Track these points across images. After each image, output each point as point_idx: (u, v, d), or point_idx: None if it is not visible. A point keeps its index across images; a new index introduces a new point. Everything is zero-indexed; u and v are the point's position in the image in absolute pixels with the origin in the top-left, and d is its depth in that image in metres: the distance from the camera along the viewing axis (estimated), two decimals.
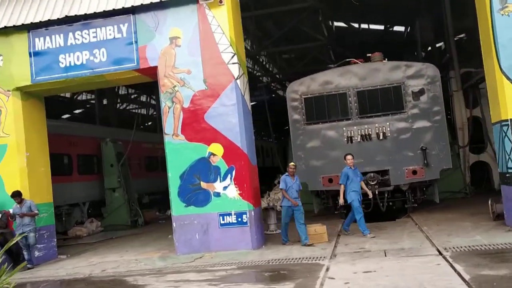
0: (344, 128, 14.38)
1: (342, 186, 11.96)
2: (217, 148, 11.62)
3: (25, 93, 12.85)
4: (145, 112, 45.13)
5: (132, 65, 12.09)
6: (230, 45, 11.63)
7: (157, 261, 11.35)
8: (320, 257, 9.78)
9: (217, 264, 10.15)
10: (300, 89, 14.77)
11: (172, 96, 11.90)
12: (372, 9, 23.05)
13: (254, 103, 23.21)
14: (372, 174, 13.81)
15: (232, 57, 11.63)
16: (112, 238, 16.93)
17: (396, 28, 28.11)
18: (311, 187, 14.64)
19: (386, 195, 14.12)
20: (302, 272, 8.63)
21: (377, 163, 14.02)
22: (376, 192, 13.73)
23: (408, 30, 27.23)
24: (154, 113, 43.50)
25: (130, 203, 20.87)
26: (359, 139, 14.24)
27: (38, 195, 12.79)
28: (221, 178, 11.59)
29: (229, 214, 11.50)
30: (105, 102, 34.96)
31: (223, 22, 11.67)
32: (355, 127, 14.30)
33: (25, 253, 12.10)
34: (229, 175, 11.56)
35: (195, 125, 11.73)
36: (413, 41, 25.24)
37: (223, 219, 11.53)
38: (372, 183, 13.69)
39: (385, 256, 9.26)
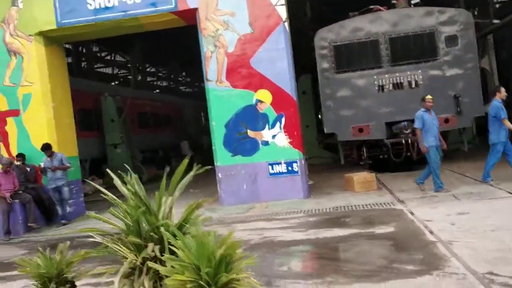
0: (375, 77, 13.97)
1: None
2: (265, 95, 11.11)
3: (48, 38, 11.88)
4: (111, 71, 43.70)
5: (169, 7, 11.29)
6: None
7: (206, 213, 10.86)
8: (387, 203, 9.54)
9: (280, 213, 9.77)
10: (329, 36, 14.17)
11: (214, 40, 11.22)
12: None
13: None
14: (405, 123, 13.57)
15: None
16: None
17: None
18: (340, 137, 14.30)
19: (416, 144, 13.94)
20: (387, 216, 8.34)
21: (409, 112, 13.60)
22: (409, 141, 13.57)
23: None
24: (119, 72, 41.99)
25: (133, 159, 20.15)
26: (390, 88, 13.91)
27: (65, 148, 12.06)
28: (270, 126, 11.14)
29: (279, 163, 11.11)
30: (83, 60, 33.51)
31: None
32: (386, 75, 13.89)
33: (59, 208, 11.47)
34: (278, 123, 11.11)
35: (241, 71, 11.14)
36: None
37: (272, 168, 11.15)
38: (406, 132, 13.49)
39: (459, 199, 9.07)
